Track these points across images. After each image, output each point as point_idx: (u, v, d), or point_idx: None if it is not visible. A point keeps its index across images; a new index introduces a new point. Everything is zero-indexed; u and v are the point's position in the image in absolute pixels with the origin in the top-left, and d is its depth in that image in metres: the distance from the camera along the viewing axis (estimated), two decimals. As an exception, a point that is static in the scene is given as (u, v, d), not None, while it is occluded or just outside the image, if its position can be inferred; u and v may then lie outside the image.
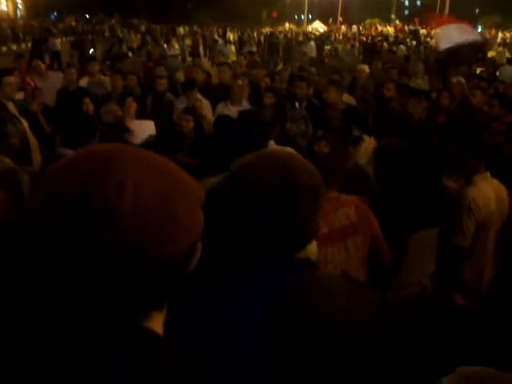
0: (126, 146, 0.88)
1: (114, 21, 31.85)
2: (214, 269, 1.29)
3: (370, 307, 1.35)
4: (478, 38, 7.61)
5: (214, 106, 6.65)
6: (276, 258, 1.32)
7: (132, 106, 6.00)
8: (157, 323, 0.88)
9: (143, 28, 24.86)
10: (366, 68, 9.05)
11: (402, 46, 21.27)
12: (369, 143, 4.29)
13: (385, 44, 22.50)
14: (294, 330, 1.25)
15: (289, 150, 2.82)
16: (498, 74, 13.16)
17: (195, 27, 30.32)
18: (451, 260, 3.13)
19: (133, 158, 0.83)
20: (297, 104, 6.61)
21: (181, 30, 27.11)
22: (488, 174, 3.28)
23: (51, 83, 7.37)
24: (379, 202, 3.02)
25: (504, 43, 27.87)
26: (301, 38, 25.30)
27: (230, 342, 1.26)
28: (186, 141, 5.10)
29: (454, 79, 8.10)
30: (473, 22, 31.61)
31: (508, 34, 31.90)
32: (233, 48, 18.65)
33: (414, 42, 25.42)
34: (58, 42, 15.22)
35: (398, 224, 2.99)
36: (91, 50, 16.67)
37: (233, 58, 16.54)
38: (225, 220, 1.37)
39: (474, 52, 7.66)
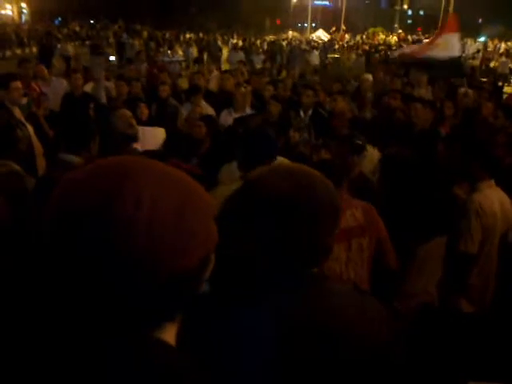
0: (141, 158, 0.88)
1: (117, 26, 31.89)
2: (227, 282, 1.29)
3: (381, 320, 1.36)
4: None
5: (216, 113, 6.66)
6: (290, 274, 1.32)
7: (144, 112, 6.01)
8: (170, 334, 0.88)
9: (145, 34, 24.83)
10: (369, 77, 9.07)
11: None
12: (373, 153, 4.30)
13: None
14: (306, 344, 1.25)
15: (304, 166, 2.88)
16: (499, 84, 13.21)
17: (201, 34, 30.38)
18: (458, 266, 3.16)
19: (149, 172, 0.83)
20: (302, 112, 6.62)
21: (187, 36, 27.16)
22: (493, 182, 3.33)
23: (54, 88, 7.39)
24: (384, 211, 3.04)
25: (507, 53, 27.91)
26: (304, 46, 25.39)
27: (241, 356, 1.26)
28: (200, 148, 5.09)
29: (462, 90, 8.13)
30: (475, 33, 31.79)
31: (511, 44, 31.92)
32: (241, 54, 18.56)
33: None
34: (71, 47, 15.23)
35: (404, 233, 3.00)
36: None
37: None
38: (238, 232, 1.37)
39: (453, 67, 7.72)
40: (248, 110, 6.41)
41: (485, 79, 14.06)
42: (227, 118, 6.29)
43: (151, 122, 6.13)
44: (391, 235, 2.75)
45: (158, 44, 18.91)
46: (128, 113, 4.64)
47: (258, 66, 15.78)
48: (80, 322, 0.81)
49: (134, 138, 4.44)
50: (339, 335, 1.27)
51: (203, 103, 6.75)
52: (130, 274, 0.77)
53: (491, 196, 3.24)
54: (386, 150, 4.08)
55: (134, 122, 4.52)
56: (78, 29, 29.29)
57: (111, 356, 0.80)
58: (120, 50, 16.98)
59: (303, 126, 5.66)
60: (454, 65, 7.66)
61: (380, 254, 2.64)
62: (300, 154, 4.63)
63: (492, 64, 23.96)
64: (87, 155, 3.18)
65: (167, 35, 26.80)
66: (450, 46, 7.93)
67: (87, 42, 17.63)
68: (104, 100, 6.48)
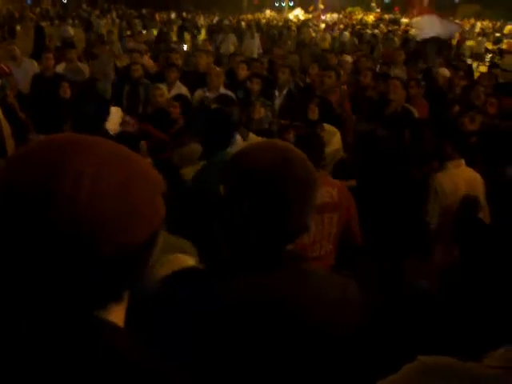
0: (85, 135, 0.87)
1: (84, 5, 30.86)
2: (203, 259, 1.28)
3: (357, 301, 1.38)
4: (454, 32, 7.65)
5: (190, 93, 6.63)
6: (265, 250, 1.31)
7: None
8: (116, 315, 0.87)
9: (114, 14, 24.04)
10: (349, 58, 9.03)
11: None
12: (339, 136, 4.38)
13: (368, 31, 22.49)
14: (282, 324, 1.25)
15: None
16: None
17: (184, 14, 29.83)
18: (421, 242, 3.25)
19: (92, 149, 0.82)
20: (276, 92, 6.61)
21: (164, 16, 26.54)
22: (462, 162, 3.37)
23: (24, 69, 7.23)
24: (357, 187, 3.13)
25: (483, 33, 28.06)
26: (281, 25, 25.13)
27: (214, 335, 1.25)
28: (175, 126, 5.09)
29: (437, 70, 8.17)
30: (452, 12, 31.82)
31: (486, 24, 32.07)
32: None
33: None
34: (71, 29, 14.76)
35: (376, 206, 3.08)
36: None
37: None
38: (216, 208, 1.37)
39: (435, 48, 7.71)
40: (222, 90, 6.36)
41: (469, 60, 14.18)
42: (202, 97, 6.24)
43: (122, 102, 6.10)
44: (365, 209, 2.88)
45: (129, 24, 18.43)
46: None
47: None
48: (22, 303, 0.80)
49: (105, 118, 4.42)
50: (317, 317, 1.28)
51: (178, 83, 6.72)
52: (72, 251, 0.76)
53: (457, 176, 3.32)
54: (358, 126, 4.12)
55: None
56: (50, 8, 28.55)
57: (55, 338, 0.80)
58: (87, 29, 16.46)
59: (268, 104, 5.65)
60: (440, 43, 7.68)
61: (347, 230, 2.77)
62: (268, 131, 4.64)
63: (468, 43, 24.06)
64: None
65: (143, 12, 26.22)
66: (428, 26, 7.90)
67: (56, 22, 17.14)
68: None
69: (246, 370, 1.25)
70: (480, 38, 23.74)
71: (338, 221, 2.79)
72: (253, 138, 3.78)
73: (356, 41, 16.88)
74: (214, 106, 4.20)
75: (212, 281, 1.30)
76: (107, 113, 4.95)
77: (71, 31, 13.73)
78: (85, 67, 7.41)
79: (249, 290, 1.27)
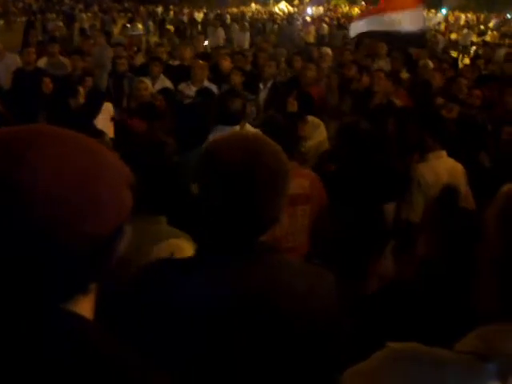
0: (48, 126, 0.87)
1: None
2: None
3: (330, 290, 1.38)
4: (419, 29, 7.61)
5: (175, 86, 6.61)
6: (238, 242, 1.31)
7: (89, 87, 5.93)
8: (83, 307, 0.86)
9: (96, 8, 23.71)
10: (329, 51, 9.01)
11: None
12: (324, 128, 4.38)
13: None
14: (254, 315, 1.25)
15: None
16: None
17: (171, 7, 29.59)
18: (404, 235, 3.22)
19: (54, 139, 0.82)
20: (261, 85, 6.61)
21: (141, 10, 26.27)
22: (443, 153, 3.38)
23: (6, 64, 7.14)
24: (339, 178, 3.12)
25: (468, 25, 28.20)
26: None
27: (185, 327, 1.25)
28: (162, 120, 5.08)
29: (421, 62, 8.19)
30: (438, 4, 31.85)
31: (470, 16, 32.24)
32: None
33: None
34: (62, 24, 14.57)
35: (357, 200, 3.06)
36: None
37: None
38: (192, 200, 1.36)
39: (415, 39, 7.69)
40: (206, 83, 6.35)
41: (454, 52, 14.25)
42: (186, 90, 6.22)
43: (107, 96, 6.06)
44: (344, 202, 2.87)
45: (113, 18, 18.26)
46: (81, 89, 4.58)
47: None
48: None
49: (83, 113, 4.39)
50: (290, 307, 1.28)
51: (162, 76, 6.71)
52: (34, 242, 0.76)
53: (438, 167, 3.31)
54: (343, 119, 4.12)
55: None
56: (33, 2, 28.19)
57: (19, 330, 0.79)
58: (70, 24, 16.27)
59: (251, 98, 5.65)
60: (414, 35, 7.64)
61: (319, 221, 2.77)
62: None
63: (453, 36, 24.18)
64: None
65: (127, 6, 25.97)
66: (410, 20, 7.86)
67: (39, 16, 16.98)
68: None
69: (218, 362, 1.25)
70: (466, 31, 23.86)
71: (310, 212, 2.80)
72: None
73: (346, 34, 16.87)
74: (187, 100, 4.20)
75: (183, 273, 1.30)
76: (98, 107, 4.95)
77: (63, 27, 13.65)
78: (67, 61, 7.34)
79: (221, 281, 1.27)
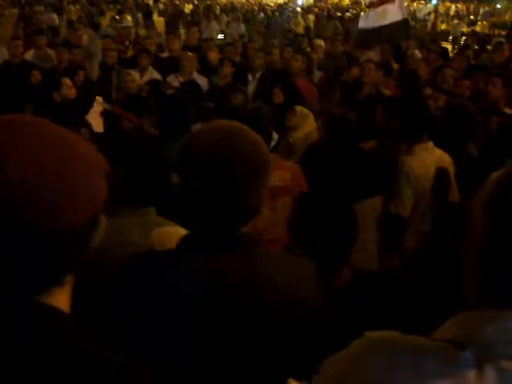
0: (21, 116, 0.86)
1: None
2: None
3: (312, 280, 1.38)
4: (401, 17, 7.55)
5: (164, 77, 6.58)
6: (217, 232, 1.31)
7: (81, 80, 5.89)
8: (59, 299, 0.85)
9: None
10: (322, 43, 8.98)
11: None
12: (313, 119, 4.36)
13: (348, 14, 22.46)
14: (235, 305, 1.25)
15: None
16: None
17: None
18: (393, 228, 3.21)
19: (26, 129, 0.81)
20: (250, 76, 6.59)
21: (129, 2, 25.93)
22: (430, 144, 3.36)
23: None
24: (328, 169, 3.11)
25: (458, 15, 28.21)
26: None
27: (166, 318, 1.25)
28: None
29: (409, 52, 8.18)
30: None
31: (460, 6, 32.19)
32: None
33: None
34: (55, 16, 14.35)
35: (344, 192, 3.05)
36: None
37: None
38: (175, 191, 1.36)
39: (400, 30, 7.66)
40: (195, 75, 6.32)
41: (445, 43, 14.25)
42: (174, 82, 6.19)
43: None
44: (333, 193, 2.86)
45: (101, 10, 18.02)
46: (68, 81, 4.54)
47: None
48: None
49: (75, 106, 4.36)
50: (273, 298, 1.28)
51: (150, 68, 6.67)
52: (6, 233, 0.75)
53: (425, 159, 3.28)
54: (332, 111, 4.11)
55: (74, 90, 4.42)
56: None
57: None
58: (58, 15, 16.06)
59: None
60: (399, 27, 7.61)
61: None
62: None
63: (443, 26, 24.19)
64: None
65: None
66: (390, 13, 7.81)
67: (27, 9, 16.77)
68: None
69: (201, 352, 1.25)
70: (456, 21, 23.88)
71: (291, 204, 2.82)
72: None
73: (338, 25, 16.81)
74: (170, 91, 4.18)
75: (163, 266, 1.29)
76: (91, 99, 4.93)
77: (56, 19, 13.48)
78: (53, 54, 7.28)
79: (201, 273, 1.27)
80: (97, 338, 0.86)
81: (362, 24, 7.62)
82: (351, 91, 5.70)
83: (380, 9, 7.17)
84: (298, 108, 4.39)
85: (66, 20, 14.10)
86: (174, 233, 1.88)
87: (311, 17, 19.75)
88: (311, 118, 4.42)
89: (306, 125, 4.23)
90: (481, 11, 28.72)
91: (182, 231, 1.67)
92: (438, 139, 3.49)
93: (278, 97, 4.67)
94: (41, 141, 0.80)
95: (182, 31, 13.29)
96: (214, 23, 14.94)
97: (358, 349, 0.90)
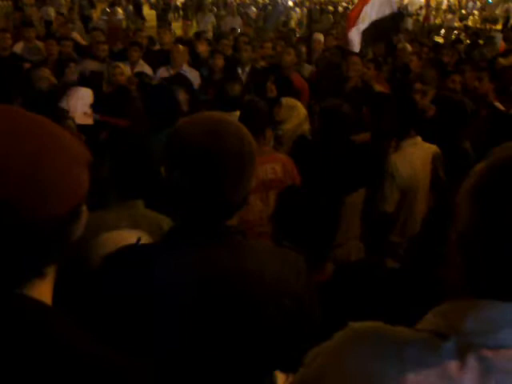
0: (4, 107, 0.85)
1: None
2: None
3: (299, 273, 1.38)
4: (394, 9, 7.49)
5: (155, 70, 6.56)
6: (203, 225, 1.30)
7: (74, 72, 5.84)
8: (40, 291, 0.85)
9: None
10: (321, 38, 8.93)
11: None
12: (301, 109, 4.33)
13: (340, 8, 22.44)
14: (221, 299, 1.25)
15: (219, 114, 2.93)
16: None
17: None
18: (378, 224, 3.22)
19: (3, 120, 0.80)
20: (239, 69, 6.57)
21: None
22: (418, 139, 3.35)
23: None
24: (319, 162, 3.11)
25: (450, 9, 28.18)
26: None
27: (155, 307, 1.24)
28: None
29: (400, 45, 8.16)
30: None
31: (452, 0, 32.17)
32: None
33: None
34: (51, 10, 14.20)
35: (335, 183, 3.04)
36: None
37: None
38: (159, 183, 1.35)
39: (391, 24, 7.62)
40: (185, 68, 6.30)
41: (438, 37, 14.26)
42: (164, 75, 6.18)
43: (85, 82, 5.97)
44: (323, 184, 2.87)
45: (91, 3, 17.81)
46: (47, 71, 4.49)
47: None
48: None
49: (55, 96, 4.31)
50: (259, 288, 1.28)
51: (141, 61, 6.66)
52: None
53: (412, 154, 3.27)
54: (324, 102, 4.09)
55: (53, 80, 4.36)
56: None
57: None
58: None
59: None
60: (390, 22, 7.57)
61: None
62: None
63: (438, 21, 24.19)
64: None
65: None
66: (378, 8, 7.74)
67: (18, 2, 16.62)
68: None
69: (189, 346, 1.24)
70: (450, 16, 23.93)
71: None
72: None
73: (331, 18, 16.79)
74: (155, 82, 4.15)
75: (148, 259, 1.28)
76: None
77: (52, 12, 13.35)
78: (43, 46, 7.22)
79: (186, 266, 1.26)
80: (79, 330, 0.85)
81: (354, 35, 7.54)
82: (338, 84, 5.70)
83: (360, 16, 7.11)
84: (284, 100, 4.36)
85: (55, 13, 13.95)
86: (122, 238, 1.84)
87: (295, 13, 19.72)
88: (298, 108, 4.38)
89: (294, 116, 4.21)
90: (470, 5, 28.69)
91: (131, 237, 1.63)
92: (432, 134, 3.48)
93: (272, 91, 4.65)
94: (16, 132, 0.79)
95: (175, 24, 13.24)
96: (210, 16, 14.87)
97: (341, 340, 0.90)
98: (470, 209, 0.85)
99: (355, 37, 6.79)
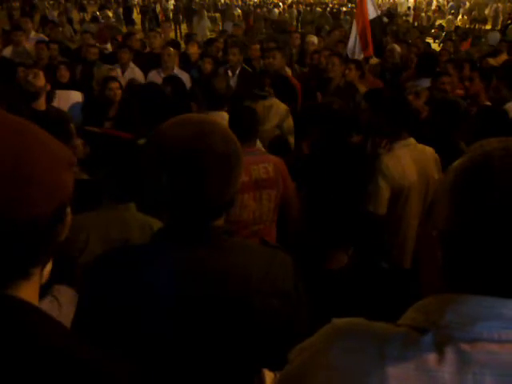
0: None
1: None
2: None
3: (288, 272, 1.38)
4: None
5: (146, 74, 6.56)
6: (190, 227, 1.30)
7: (64, 75, 5.83)
8: (26, 292, 0.85)
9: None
10: (315, 40, 8.93)
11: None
12: (279, 105, 4.31)
13: (328, 9, 22.46)
14: (210, 297, 1.25)
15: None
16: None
17: None
18: (370, 225, 3.20)
19: None
20: (229, 72, 6.57)
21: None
22: (411, 141, 3.31)
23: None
24: (308, 162, 3.11)
25: (439, 9, 28.35)
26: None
27: (143, 308, 1.25)
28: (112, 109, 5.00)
29: (388, 46, 8.19)
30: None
31: (441, 1, 32.31)
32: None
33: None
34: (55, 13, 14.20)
35: (325, 182, 3.04)
36: None
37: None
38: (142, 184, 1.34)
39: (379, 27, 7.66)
40: (176, 70, 6.30)
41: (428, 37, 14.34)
42: (155, 78, 6.17)
43: (75, 84, 5.97)
44: (313, 185, 2.89)
45: (81, 6, 17.72)
46: (40, 74, 4.48)
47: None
48: None
49: (36, 96, 4.29)
50: (248, 287, 1.29)
51: (131, 64, 6.66)
52: None
53: (404, 156, 3.22)
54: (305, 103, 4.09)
55: (34, 81, 4.33)
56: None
57: None
58: (31, 12, 15.80)
59: None
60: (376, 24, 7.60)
61: (285, 206, 2.84)
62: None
63: (438, 22, 24.35)
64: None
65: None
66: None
67: (4, 5, 16.59)
68: None
69: (174, 346, 1.25)
70: (450, 17, 24.12)
71: (275, 196, 2.86)
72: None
73: (330, 19, 16.85)
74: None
75: (136, 262, 1.29)
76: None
77: (55, 16, 13.31)
78: (32, 50, 7.20)
79: (175, 268, 1.26)
80: (65, 330, 0.85)
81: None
82: (323, 85, 5.74)
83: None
84: (260, 102, 4.32)
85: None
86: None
87: (294, 11, 19.82)
88: (275, 107, 4.32)
89: (271, 116, 4.19)
90: (450, 3, 28.78)
91: None
92: (427, 135, 3.46)
93: (269, 94, 4.62)
94: (6, 131, 0.79)
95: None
96: (206, 20, 14.86)
97: (323, 336, 0.91)
98: (449, 206, 0.86)
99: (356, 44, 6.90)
